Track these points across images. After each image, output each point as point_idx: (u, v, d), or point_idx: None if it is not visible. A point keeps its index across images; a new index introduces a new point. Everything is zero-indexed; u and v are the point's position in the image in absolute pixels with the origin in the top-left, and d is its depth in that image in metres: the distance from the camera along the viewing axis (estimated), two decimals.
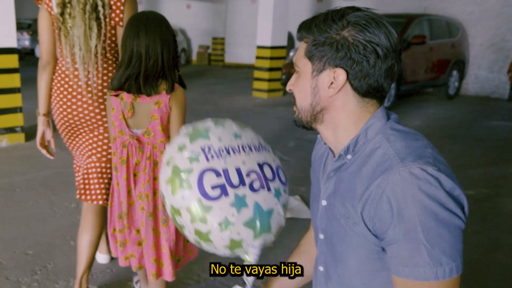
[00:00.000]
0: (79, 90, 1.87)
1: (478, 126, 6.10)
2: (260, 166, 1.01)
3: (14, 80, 4.52)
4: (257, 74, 8.32)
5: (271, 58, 8.07)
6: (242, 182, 0.95)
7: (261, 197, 0.97)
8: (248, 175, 0.97)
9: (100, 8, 1.80)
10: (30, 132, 4.93)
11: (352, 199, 0.85)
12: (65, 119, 1.91)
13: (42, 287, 2.17)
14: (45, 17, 1.88)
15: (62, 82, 1.90)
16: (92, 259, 1.95)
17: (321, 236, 0.98)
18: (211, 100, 7.76)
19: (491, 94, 8.74)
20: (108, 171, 1.93)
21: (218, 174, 0.94)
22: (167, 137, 1.59)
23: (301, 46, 0.88)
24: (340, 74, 0.83)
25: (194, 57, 15.58)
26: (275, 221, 1.00)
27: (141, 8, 14.62)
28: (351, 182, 0.86)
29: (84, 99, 1.87)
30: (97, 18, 1.81)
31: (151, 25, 1.56)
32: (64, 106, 1.89)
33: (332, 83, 0.84)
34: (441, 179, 0.77)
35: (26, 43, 13.40)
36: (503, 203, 3.35)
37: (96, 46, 1.83)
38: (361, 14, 0.82)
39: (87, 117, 1.88)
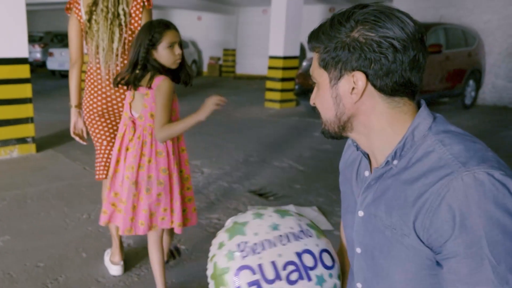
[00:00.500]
0: (103, 82, 2.20)
1: (495, 135, 5.93)
2: (299, 255, 0.94)
3: (25, 91, 4.48)
4: (269, 84, 8.25)
5: (284, 68, 8.01)
6: (277, 276, 0.90)
7: None
8: (284, 268, 0.92)
9: (122, 16, 2.15)
10: (41, 143, 4.90)
11: (402, 208, 0.77)
12: (94, 108, 2.23)
13: None
14: (75, 24, 2.24)
15: (92, 77, 2.24)
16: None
17: (358, 250, 0.90)
18: (223, 110, 7.68)
19: (510, 104, 8.55)
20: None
21: (253, 271, 0.91)
22: None
23: (314, 57, 0.83)
24: (359, 78, 0.77)
25: (205, 68, 15.62)
26: None
27: None
28: (399, 189, 0.78)
29: (108, 93, 2.21)
30: (119, 25, 2.15)
31: (139, 33, 1.89)
32: (92, 97, 2.23)
33: (353, 88, 0.78)
34: (509, 184, 0.68)
35: (38, 55, 13.53)
36: None
37: (117, 48, 2.17)
38: (369, 10, 0.76)
39: (110, 107, 2.23)
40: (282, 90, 8.10)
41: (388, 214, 0.80)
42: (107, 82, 2.19)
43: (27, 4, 5.98)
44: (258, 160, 4.59)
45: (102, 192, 2.35)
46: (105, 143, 2.25)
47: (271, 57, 8.11)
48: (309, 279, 0.92)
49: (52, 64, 12.36)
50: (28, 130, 4.56)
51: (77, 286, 2.19)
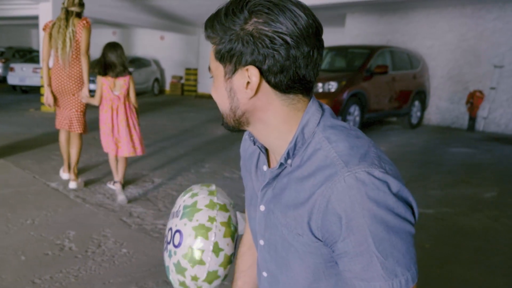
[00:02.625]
0: (59, 71, 3.80)
1: (438, 152, 6.34)
2: (170, 230, 1.17)
3: None
4: None
5: None
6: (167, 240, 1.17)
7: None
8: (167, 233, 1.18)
9: (70, 31, 3.69)
10: None
11: (295, 208, 0.79)
12: (54, 87, 3.85)
13: None
14: (47, 37, 3.77)
15: (53, 68, 3.84)
16: (74, 157, 3.97)
17: (261, 242, 0.92)
18: (183, 126, 7.80)
19: (452, 124, 9.12)
20: (80, 116, 3.92)
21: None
22: (129, 96, 3.65)
23: (211, 48, 0.81)
24: (253, 73, 0.74)
25: (167, 87, 15.69)
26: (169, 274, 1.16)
27: (116, 38, 14.88)
28: (293, 189, 0.80)
29: (62, 75, 3.80)
30: (70, 38, 3.70)
31: (113, 46, 3.66)
32: (53, 80, 3.85)
33: (248, 83, 0.76)
34: (389, 181, 0.71)
35: None
36: (460, 221, 3.47)
37: (68, 51, 3.72)
38: (262, 1, 0.73)
39: (65, 87, 3.82)
40: None
41: (283, 213, 0.82)
42: (63, 68, 3.79)
43: None
44: (209, 171, 4.72)
45: (71, 137, 4.04)
46: (63, 111, 3.96)
47: None
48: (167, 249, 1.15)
49: (13, 79, 12.12)
50: None
51: (12, 287, 2.22)
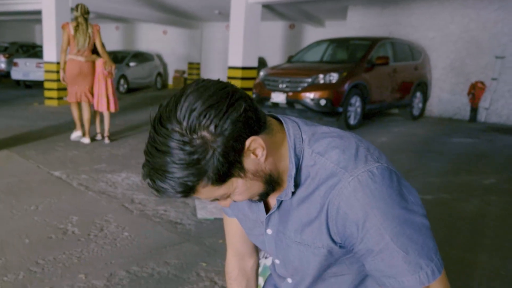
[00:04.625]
0: (79, 59, 5.10)
1: (439, 142, 6.36)
2: None
3: None
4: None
5: (242, 79, 8.28)
6: None
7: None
8: None
9: (90, 32, 5.07)
10: None
11: (309, 224, 0.82)
12: (74, 71, 5.10)
13: None
14: (66, 36, 5.07)
15: (72, 55, 5.12)
16: (87, 119, 5.29)
17: (277, 261, 0.97)
18: None
19: (454, 116, 9.11)
20: (90, 91, 5.27)
21: None
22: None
23: (202, 193, 0.76)
24: (256, 143, 0.74)
25: (170, 81, 15.74)
26: None
27: (119, 33, 14.88)
28: (300, 208, 0.83)
29: (81, 62, 5.11)
30: (88, 36, 5.08)
31: None
32: (73, 66, 5.10)
33: (257, 151, 0.75)
34: (387, 174, 0.75)
35: (2, 65, 13.40)
36: (458, 206, 3.51)
37: (86, 44, 5.09)
38: (184, 111, 0.69)
39: (83, 71, 5.12)
40: None
41: (297, 232, 0.84)
42: (83, 58, 5.13)
43: None
44: None
45: (82, 107, 5.32)
46: (77, 89, 5.21)
47: (230, 68, 8.39)
48: None
49: (17, 74, 12.22)
50: None
51: (16, 267, 2.27)
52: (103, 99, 5.19)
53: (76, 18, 5.06)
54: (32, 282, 2.14)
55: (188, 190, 0.72)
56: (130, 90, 12.81)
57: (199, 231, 2.83)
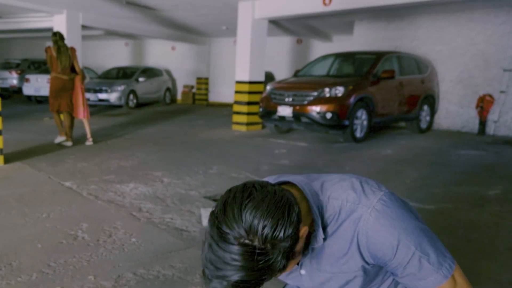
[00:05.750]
0: (63, 77, 5.98)
1: (446, 154, 6.37)
2: None
3: None
4: (236, 108, 8.62)
5: (250, 93, 8.41)
6: None
7: None
8: None
9: (69, 53, 5.96)
10: (9, 157, 5.05)
11: (344, 256, 0.98)
12: (58, 87, 6.00)
13: (5, 279, 2.24)
14: (49, 57, 5.98)
15: (55, 74, 5.98)
16: (67, 126, 6.14)
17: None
18: (192, 133, 7.97)
19: (462, 128, 9.11)
20: (71, 102, 6.12)
21: None
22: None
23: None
24: (304, 232, 0.88)
25: (179, 96, 15.96)
26: None
27: (128, 49, 15.08)
28: (330, 245, 0.98)
29: (65, 79, 6.00)
30: (69, 56, 5.95)
31: None
32: (57, 82, 6.00)
33: (304, 235, 0.90)
34: (392, 198, 0.96)
35: (14, 81, 13.72)
36: (460, 216, 3.53)
37: (67, 64, 5.95)
38: (255, 226, 0.79)
39: (66, 86, 6.03)
40: (248, 113, 8.47)
41: (333, 265, 1.00)
42: (64, 76, 5.97)
43: (5, 32, 6.38)
44: (217, 172, 4.85)
45: (64, 117, 6.18)
46: (58, 105, 6.11)
47: (238, 82, 8.53)
48: None
49: (28, 90, 12.51)
50: None
51: (29, 269, 2.37)
52: (81, 108, 6.11)
53: (56, 42, 5.87)
54: (44, 282, 2.22)
55: (260, 284, 0.83)
56: (139, 105, 13.02)
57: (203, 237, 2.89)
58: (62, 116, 6.22)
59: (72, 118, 6.17)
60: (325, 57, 8.54)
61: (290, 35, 12.97)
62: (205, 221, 3.20)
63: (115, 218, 3.24)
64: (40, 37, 15.51)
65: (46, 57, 6.00)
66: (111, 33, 13.79)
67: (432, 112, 8.88)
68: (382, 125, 8.25)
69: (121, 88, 12.09)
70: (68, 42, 9.14)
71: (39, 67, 14.07)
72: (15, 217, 3.20)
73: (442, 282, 0.92)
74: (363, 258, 0.96)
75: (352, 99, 6.89)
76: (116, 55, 17.14)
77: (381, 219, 0.91)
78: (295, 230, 0.84)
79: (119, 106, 12.45)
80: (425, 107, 8.64)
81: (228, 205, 0.81)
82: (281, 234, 0.80)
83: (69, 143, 6.11)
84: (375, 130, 8.38)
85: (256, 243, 0.78)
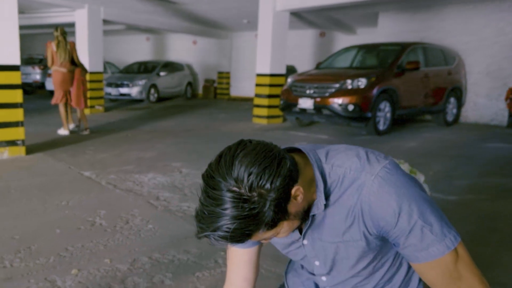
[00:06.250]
0: (62, 70, 6.24)
1: (472, 147, 6.16)
2: None
3: (16, 96, 4.74)
4: (256, 101, 8.55)
5: (271, 86, 8.32)
6: None
7: None
8: None
9: (68, 48, 6.25)
10: (31, 148, 5.14)
11: (344, 225, 0.95)
12: (59, 79, 6.30)
13: (23, 261, 2.26)
14: (50, 52, 6.25)
15: (56, 67, 6.25)
16: (64, 115, 6.53)
17: (317, 263, 1.07)
18: (212, 126, 7.96)
19: (490, 121, 8.80)
20: (68, 95, 6.49)
21: None
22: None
23: (257, 237, 0.87)
24: (298, 192, 0.86)
25: (200, 90, 16.01)
26: None
27: (150, 44, 15.19)
28: (333, 213, 0.95)
29: (64, 72, 6.27)
30: (68, 51, 6.25)
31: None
32: (57, 75, 6.30)
33: (298, 196, 0.87)
34: (397, 166, 0.93)
35: (37, 77, 13.98)
36: (483, 207, 3.39)
37: (66, 57, 6.24)
38: (242, 173, 0.80)
39: (66, 78, 6.31)
40: (269, 106, 8.39)
41: (335, 234, 0.97)
42: (64, 69, 6.26)
43: (28, 27, 6.55)
44: None
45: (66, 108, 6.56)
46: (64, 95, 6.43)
47: (258, 75, 8.45)
48: None
49: (51, 85, 12.71)
50: (18, 133, 4.80)
51: (47, 252, 2.38)
52: (81, 99, 6.41)
53: (56, 37, 6.22)
54: (61, 264, 2.24)
55: (246, 238, 0.83)
56: (160, 99, 13.11)
57: None
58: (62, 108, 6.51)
59: (68, 108, 6.61)
60: (347, 49, 8.37)
61: (313, 28, 12.81)
62: None
63: (132, 206, 3.23)
64: None
65: (47, 51, 6.25)
66: (132, 28, 13.93)
67: (459, 105, 8.61)
68: (407, 118, 8.05)
69: (142, 82, 12.19)
70: (89, 36, 9.30)
71: None
72: (35, 204, 3.23)
73: (445, 253, 0.87)
74: (366, 228, 0.93)
75: (375, 91, 6.73)
76: (138, 50, 17.31)
77: (385, 186, 0.88)
78: (285, 184, 0.82)
79: (140, 100, 12.56)
80: (452, 100, 8.38)
81: (223, 157, 0.83)
82: (267, 184, 0.80)
83: (66, 132, 6.45)
84: (399, 122, 8.18)
85: (243, 190, 0.78)
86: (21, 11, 10.22)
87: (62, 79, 6.27)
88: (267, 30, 8.20)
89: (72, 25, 9.96)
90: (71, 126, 6.70)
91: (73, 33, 9.74)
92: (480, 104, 8.92)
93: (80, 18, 9.35)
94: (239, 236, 0.81)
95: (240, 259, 1.13)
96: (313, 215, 0.97)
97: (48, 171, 4.27)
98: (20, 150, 4.84)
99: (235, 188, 0.78)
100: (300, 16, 10.03)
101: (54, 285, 2.02)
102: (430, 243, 0.87)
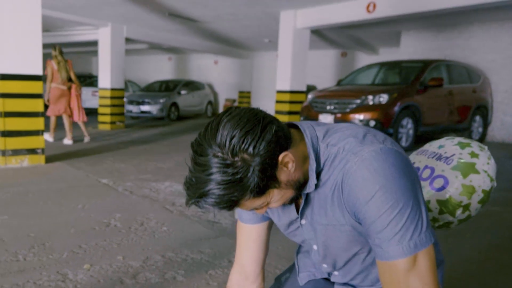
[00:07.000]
0: (62, 87, 6.63)
1: (499, 164, 5.93)
2: (426, 167, 1.28)
3: (37, 105, 4.82)
4: (276, 117, 8.51)
5: (291, 102, 8.29)
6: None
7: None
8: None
9: (67, 66, 6.62)
10: (50, 158, 5.18)
11: (331, 206, 0.89)
12: (58, 95, 6.64)
13: (36, 256, 2.22)
14: (50, 70, 6.55)
15: (56, 84, 6.58)
16: (68, 127, 6.94)
17: (315, 247, 1.03)
18: None
19: None
20: (69, 109, 6.90)
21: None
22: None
23: (247, 205, 0.84)
24: (287, 158, 0.82)
25: (221, 109, 16.11)
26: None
27: (171, 64, 15.45)
28: (320, 193, 0.90)
29: (64, 89, 6.65)
30: (67, 69, 6.62)
31: None
32: (58, 92, 6.63)
33: (288, 164, 0.83)
34: (390, 153, 0.82)
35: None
36: (508, 218, 3.23)
37: (66, 75, 6.64)
38: (225, 138, 0.77)
39: (64, 94, 6.69)
40: None
41: (324, 215, 0.92)
42: (63, 85, 6.62)
43: (52, 46, 6.87)
44: None
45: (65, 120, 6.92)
46: (61, 110, 6.73)
47: (278, 91, 8.44)
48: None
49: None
50: (38, 142, 4.85)
51: (61, 248, 2.34)
52: (76, 112, 6.86)
53: (55, 57, 6.58)
54: (74, 260, 2.19)
55: (233, 205, 0.81)
56: (180, 118, 13.22)
57: (235, 229, 2.72)
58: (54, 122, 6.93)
59: (70, 120, 7.01)
60: (369, 66, 8.30)
61: (335, 47, 12.82)
62: (237, 215, 3.07)
63: (148, 210, 3.18)
64: (86, 51, 16.23)
65: (47, 69, 6.56)
66: (154, 47, 14.20)
67: (485, 123, 8.37)
68: (430, 135, 7.85)
69: (163, 100, 12.33)
70: (112, 54, 9.51)
71: (85, 80, 14.63)
72: (51, 206, 3.21)
73: (397, 257, 0.78)
74: (347, 211, 0.87)
75: (396, 107, 6.60)
76: (160, 69, 17.63)
77: (363, 170, 0.80)
78: (269, 149, 0.78)
79: (161, 118, 12.68)
80: (477, 118, 8.15)
81: (210, 124, 0.81)
82: (250, 148, 0.76)
83: (70, 142, 6.84)
84: (423, 140, 7.98)
85: (225, 155, 0.76)
86: (46, 29, 10.57)
87: (61, 94, 6.70)
88: (288, 47, 8.23)
89: (95, 43, 10.21)
90: (67, 139, 7.07)
91: (96, 53, 9.97)
92: (507, 123, 8.66)
93: (104, 36, 9.59)
94: (225, 202, 0.79)
95: (248, 237, 1.09)
96: (308, 194, 0.93)
97: (66, 177, 4.28)
98: (40, 159, 4.88)
99: (219, 154, 0.76)
100: (321, 35, 10.06)
101: (65, 278, 1.97)
102: (388, 243, 0.79)
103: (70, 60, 6.86)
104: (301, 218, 0.98)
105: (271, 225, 1.11)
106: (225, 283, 1.94)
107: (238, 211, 1.09)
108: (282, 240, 2.47)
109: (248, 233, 1.09)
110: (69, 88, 6.77)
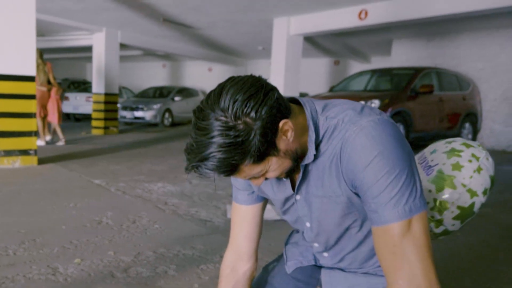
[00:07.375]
0: (42, 89, 6.88)
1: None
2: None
3: (30, 106, 4.82)
4: None
5: None
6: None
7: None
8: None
9: (46, 69, 6.87)
10: (43, 159, 5.17)
11: (328, 176, 0.91)
12: (38, 96, 6.57)
13: (27, 251, 2.22)
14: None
15: (38, 87, 6.66)
16: (41, 128, 7.16)
17: (308, 225, 1.04)
18: None
19: (507, 148, 8.63)
20: (46, 110, 7.16)
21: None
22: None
23: (246, 172, 0.85)
24: (286, 125, 0.83)
25: None
26: None
27: (166, 71, 15.53)
28: (318, 163, 0.92)
29: (44, 91, 6.93)
30: (45, 72, 6.88)
31: None
32: (37, 93, 6.49)
33: (288, 132, 0.85)
34: (387, 124, 0.85)
35: None
36: (499, 218, 3.29)
37: (45, 78, 6.89)
38: (228, 102, 0.79)
39: (44, 96, 6.98)
40: None
41: (320, 186, 0.93)
42: (42, 87, 6.88)
43: (47, 51, 6.80)
44: None
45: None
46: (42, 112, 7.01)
47: None
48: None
49: (67, 107, 12.95)
50: (31, 143, 4.85)
51: (51, 244, 2.34)
52: (55, 114, 7.07)
53: (36, 60, 6.73)
54: (65, 255, 2.19)
55: (233, 169, 0.81)
56: (174, 124, 13.22)
57: (227, 227, 2.78)
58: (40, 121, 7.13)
59: (45, 121, 7.29)
60: (361, 73, 8.40)
61: (328, 56, 12.94)
62: (229, 214, 3.09)
63: (140, 209, 3.19)
64: (80, 57, 16.22)
65: None
66: (149, 54, 14.24)
67: (475, 131, 8.48)
68: (421, 141, 7.93)
69: (157, 106, 12.34)
70: (106, 59, 9.53)
71: (79, 86, 14.61)
72: (43, 205, 3.21)
73: (393, 221, 0.80)
74: (344, 180, 0.88)
75: (388, 113, 6.67)
76: (154, 76, 17.65)
77: (362, 137, 0.83)
78: (271, 114, 0.80)
79: (155, 124, 12.68)
80: (467, 125, 8.27)
81: (212, 91, 0.83)
82: (252, 112, 0.78)
83: (42, 143, 7.09)
84: (414, 146, 8.05)
85: (228, 118, 0.78)
86: (41, 33, 10.57)
87: (40, 96, 6.89)
88: (281, 53, 8.31)
89: (89, 49, 10.22)
90: (47, 137, 7.32)
91: (90, 59, 9.98)
92: (496, 131, 8.78)
93: (98, 42, 9.61)
94: (226, 166, 0.79)
95: (243, 217, 1.12)
96: (306, 166, 0.94)
97: (59, 178, 4.27)
98: (33, 160, 4.87)
99: (222, 117, 0.78)
100: (314, 43, 10.16)
101: (56, 272, 1.97)
102: (384, 207, 0.81)
103: (50, 63, 7.07)
104: (296, 194, 1.00)
105: (265, 206, 1.14)
106: (217, 277, 1.95)
107: (234, 192, 1.12)
108: (275, 237, 2.50)
109: (243, 214, 1.12)
110: (49, 91, 7.03)
